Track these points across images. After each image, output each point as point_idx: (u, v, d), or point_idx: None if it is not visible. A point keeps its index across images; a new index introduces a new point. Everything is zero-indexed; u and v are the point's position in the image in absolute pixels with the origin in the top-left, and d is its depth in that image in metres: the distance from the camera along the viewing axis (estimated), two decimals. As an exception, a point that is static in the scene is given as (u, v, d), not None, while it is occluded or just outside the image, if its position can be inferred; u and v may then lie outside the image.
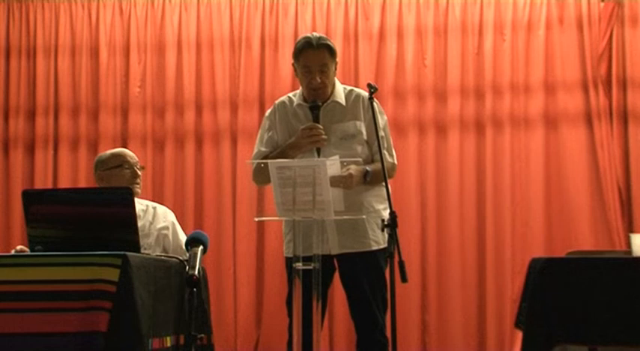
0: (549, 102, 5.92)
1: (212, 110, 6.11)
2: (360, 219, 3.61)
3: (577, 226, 5.79)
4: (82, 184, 5.97)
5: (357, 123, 3.74)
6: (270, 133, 3.84)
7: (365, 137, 3.75)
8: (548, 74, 5.93)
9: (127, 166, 3.94)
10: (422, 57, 6.03)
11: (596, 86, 5.86)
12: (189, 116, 6.11)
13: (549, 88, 5.92)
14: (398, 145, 5.96)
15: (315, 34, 3.84)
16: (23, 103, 6.22)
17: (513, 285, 5.70)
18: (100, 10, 6.22)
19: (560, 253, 4.82)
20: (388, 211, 3.31)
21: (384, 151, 3.65)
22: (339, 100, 3.77)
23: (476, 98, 5.97)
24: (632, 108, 5.86)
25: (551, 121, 5.91)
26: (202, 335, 2.99)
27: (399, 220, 3.24)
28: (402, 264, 3.12)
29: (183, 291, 2.90)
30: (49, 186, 6.03)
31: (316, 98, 3.73)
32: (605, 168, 5.79)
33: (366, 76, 5.88)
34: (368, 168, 3.63)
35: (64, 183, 6.05)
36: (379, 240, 3.72)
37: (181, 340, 3.08)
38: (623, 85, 5.88)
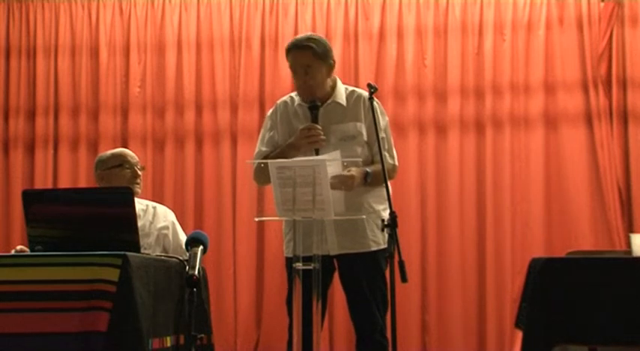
0: (549, 102, 5.92)
1: (212, 110, 6.11)
2: (359, 219, 3.60)
3: (577, 226, 5.79)
4: (82, 184, 5.97)
5: (358, 124, 3.73)
6: (271, 133, 3.84)
7: (365, 138, 3.74)
8: (548, 74, 5.93)
9: (127, 166, 3.94)
10: (422, 57, 6.03)
11: (596, 86, 5.86)
12: (189, 116, 6.11)
13: (549, 88, 5.92)
14: (398, 145, 5.92)
15: (306, 34, 3.84)
16: (23, 103, 6.22)
17: (513, 285, 5.70)
18: (100, 10, 6.22)
19: (560, 253, 4.82)
20: (388, 211, 3.31)
21: (385, 153, 3.64)
22: (340, 101, 3.76)
23: (476, 98, 5.97)
24: (632, 108, 5.86)
25: (551, 121, 5.91)
26: (202, 335, 2.98)
27: (399, 220, 3.24)
28: (402, 264, 3.11)
29: (183, 291, 2.90)
30: (49, 186, 6.03)
31: (305, 98, 3.72)
32: (605, 168, 5.79)
33: (366, 76, 5.88)
34: (368, 169, 3.62)
35: (64, 183, 6.05)
36: (379, 240, 3.71)
37: (181, 340, 3.08)
38: (623, 85, 5.88)
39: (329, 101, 3.74)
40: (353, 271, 3.69)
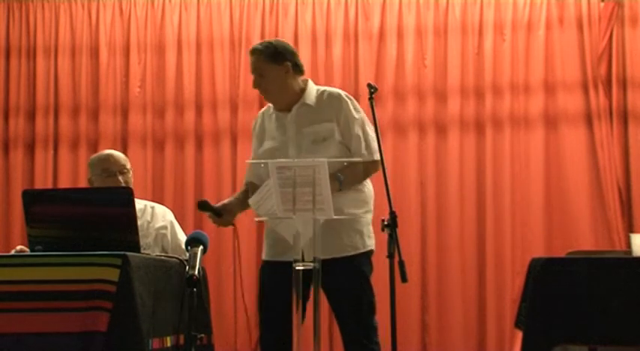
0: (549, 102, 5.92)
1: (212, 110, 6.11)
2: (334, 224, 3.41)
3: (577, 226, 5.79)
4: (82, 184, 5.96)
5: (329, 124, 3.66)
6: (253, 147, 3.85)
7: (340, 138, 3.66)
8: (548, 74, 5.93)
9: (107, 175, 3.89)
10: (422, 57, 6.03)
11: (596, 86, 5.86)
12: (189, 116, 6.11)
13: (549, 88, 5.93)
14: (398, 145, 5.98)
15: (266, 40, 3.83)
16: (23, 103, 6.22)
17: (513, 285, 5.70)
18: (100, 10, 6.22)
19: (560, 253, 4.81)
20: (369, 215, 3.30)
21: (363, 151, 3.63)
22: (309, 103, 3.70)
23: (476, 98, 5.97)
24: (632, 108, 5.86)
25: (551, 121, 5.91)
26: (202, 335, 2.99)
27: (399, 220, 3.23)
28: (402, 264, 3.11)
29: (184, 291, 2.90)
30: (49, 186, 6.03)
31: (269, 102, 3.76)
32: (605, 168, 5.79)
33: (366, 76, 5.88)
34: (340, 173, 3.49)
35: (64, 183, 6.05)
36: (357, 245, 3.65)
37: (181, 340, 3.08)
38: (623, 85, 5.88)
39: (298, 104, 3.70)
40: (328, 277, 3.40)
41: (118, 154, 4.01)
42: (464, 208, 5.89)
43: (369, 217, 3.68)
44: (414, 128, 5.96)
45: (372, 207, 3.72)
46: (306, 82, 3.76)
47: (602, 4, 5.92)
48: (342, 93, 3.74)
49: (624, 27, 5.91)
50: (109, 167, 3.91)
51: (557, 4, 5.98)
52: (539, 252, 5.55)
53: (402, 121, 5.98)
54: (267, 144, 3.75)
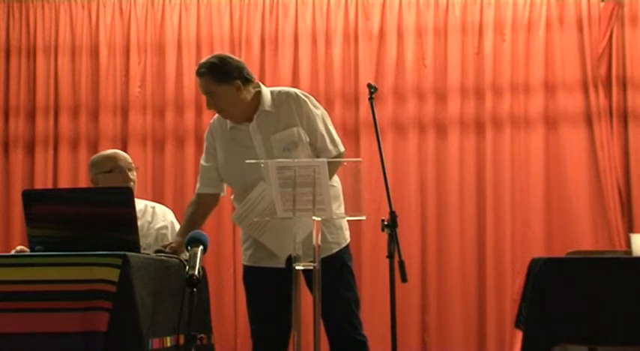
0: (549, 102, 5.93)
1: (212, 110, 6.10)
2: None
3: (577, 226, 5.79)
4: (82, 184, 5.96)
5: (295, 129, 3.62)
6: (208, 163, 3.76)
7: (308, 139, 3.64)
8: (548, 74, 5.94)
9: (117, 171, 3.89)
10: (422, 57, 6.03)
11: (596, 86, 5.87)
12: (189, 116, 6.11)
13: (549, 88, 5.93)
14: (398, 145, 5.98)
15: (208, 57, 3.69)
16: (23, 103, 6.22)
17: (513, 285, 5.71)
18: (100, 10, 6.22)
19: (560, 253, 4.83)
20: (342, 207, 3.30)
21: (329, 146, 3.62)
22: (268, 109, 3.64)
23: (476, 98, 5.97)
24: (632, 108, 5.87)
25: (551, 121, 5.92)
26: (202, 335, 2.98)
27: (399, 220, 3.24)
28: (402, 264, 3.11)
29: (183, 291, 2.90)
30: (49, 186, 6.03)
31: (227, 119, 3.66)
32: (605, 168, 5.79)
33: (366, 76, 5.88)
34: None
35: (64, 183, 6.05)
36: (340, 240, 3.68)
37: (181, 340, 3.08)
38: (623, 85, 5.88)
39: (258, 112, 3.64)
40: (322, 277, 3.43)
41: (124, 153, 4.04)
42: (464, 208, 5.89)
43: (343, 209, 3.64)
44: (414, 128, 5.96)
45: (342, 199, 3.66)
46: (258, 86, 3.68)
47: (602, 4, 5.92)
48: (298, 92, 3.69)
49: (624, 27, 5.92)
50: (120, 165, 3.91)
51: (557, 4, 5.98)
52: (539, 252, 5.55)
53: (402, 121, 5.98)
54: (232, 155, 3.66)
